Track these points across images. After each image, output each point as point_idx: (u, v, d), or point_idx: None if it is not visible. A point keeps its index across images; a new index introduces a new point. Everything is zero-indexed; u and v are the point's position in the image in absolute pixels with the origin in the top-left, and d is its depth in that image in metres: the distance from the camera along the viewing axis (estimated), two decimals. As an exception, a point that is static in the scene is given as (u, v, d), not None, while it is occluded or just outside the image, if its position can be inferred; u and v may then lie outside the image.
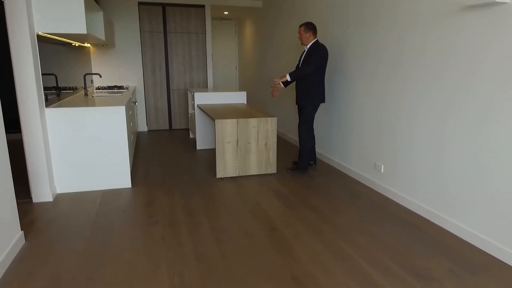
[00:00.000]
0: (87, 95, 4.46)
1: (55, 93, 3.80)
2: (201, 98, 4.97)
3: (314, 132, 4.12)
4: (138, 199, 3.28)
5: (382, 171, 3.41)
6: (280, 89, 4.07)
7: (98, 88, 5.37)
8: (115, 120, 3.42)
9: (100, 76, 4.43)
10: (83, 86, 4.42)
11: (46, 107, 3.23)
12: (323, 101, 3.95)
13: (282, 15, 5.76)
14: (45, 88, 3.26)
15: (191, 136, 5.99)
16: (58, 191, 3.41)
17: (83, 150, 3.39)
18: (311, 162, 4.22)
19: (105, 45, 5.82)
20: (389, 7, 3.18)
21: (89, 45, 5.50)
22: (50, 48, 3.65)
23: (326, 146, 4.48)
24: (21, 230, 2.51)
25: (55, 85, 3.76)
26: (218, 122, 3.69)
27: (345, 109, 3.99)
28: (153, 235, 2.60)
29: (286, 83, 4.05)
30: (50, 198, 3.22)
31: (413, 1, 2.90)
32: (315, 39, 3.84)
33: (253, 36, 7.45)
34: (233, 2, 6.54)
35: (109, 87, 5.45)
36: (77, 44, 4.98)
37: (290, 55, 5.46)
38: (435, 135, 2.75)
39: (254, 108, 4.48)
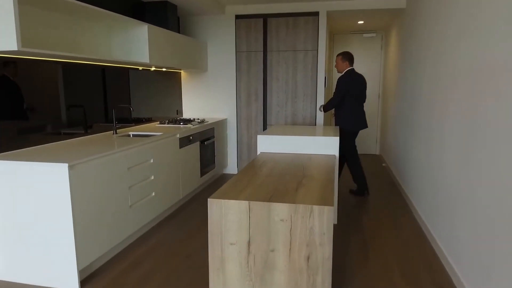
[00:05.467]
0: (116, 132, 3.44)
1: (82, 129, 2.98)
2: (266, 144, 3.28)
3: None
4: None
5: None
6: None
7: (165, 122, 4.35)
8: (54, 186, 2.16)
9: (133, 110, 3.34)
10: (113, 121, 3.41)
11: (-22, 156, 2.26)
12: (358, 128, 3.96)
13: (428, 17, 3.53)
14: (73, 123, 2.30)
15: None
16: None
17: (23, 227, 2.26)
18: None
19: (195, 70, 4.84)
20: None
21: (162, 69, 4.61)
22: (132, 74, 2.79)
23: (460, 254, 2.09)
24: None
25: (126, 117, 2.86)
26: (213, 204, 1.97)
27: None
28: None
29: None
30: (-44, 293, 2.20)
31: None
32: (348, 68, 3.98)
33: (397, 51, 5.22)
34: (360, 4, 4.60)
35: (176, 121, 4.37)
36: (140, 68, 4.11)
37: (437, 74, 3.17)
38: None
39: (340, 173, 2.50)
